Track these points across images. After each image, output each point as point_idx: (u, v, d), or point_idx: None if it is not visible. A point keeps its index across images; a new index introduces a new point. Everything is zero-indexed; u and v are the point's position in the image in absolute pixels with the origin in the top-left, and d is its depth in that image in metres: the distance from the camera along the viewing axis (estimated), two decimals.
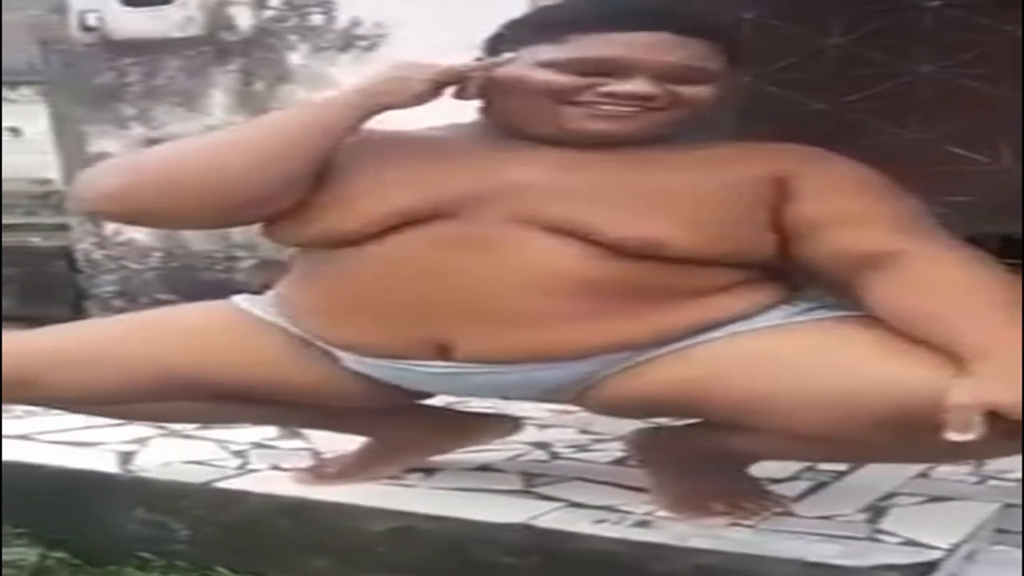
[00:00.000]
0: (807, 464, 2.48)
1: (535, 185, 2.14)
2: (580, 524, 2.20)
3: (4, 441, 2.66)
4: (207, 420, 2.69)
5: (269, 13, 4.14)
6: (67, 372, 2.30)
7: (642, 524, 2.20)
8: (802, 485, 2.42)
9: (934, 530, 2.13)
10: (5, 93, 5.00)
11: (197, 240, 4.23)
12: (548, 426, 2.91)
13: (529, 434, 2.77)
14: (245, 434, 2.79)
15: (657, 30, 2.15)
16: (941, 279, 1.99)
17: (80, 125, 4.41)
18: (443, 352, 2.16)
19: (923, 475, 2.48)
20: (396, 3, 3.86)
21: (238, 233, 4.03)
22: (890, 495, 2.36)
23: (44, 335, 2.39)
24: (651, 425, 2.41)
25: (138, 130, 4.31)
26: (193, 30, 4.21)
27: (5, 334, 2.31)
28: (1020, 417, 1.80)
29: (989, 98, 4.53)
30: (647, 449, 2.40)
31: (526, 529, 2.19)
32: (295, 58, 4.10)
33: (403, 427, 2.53)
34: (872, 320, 2.04)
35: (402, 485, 2.46)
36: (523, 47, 2.20)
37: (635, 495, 2.34)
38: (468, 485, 2.45)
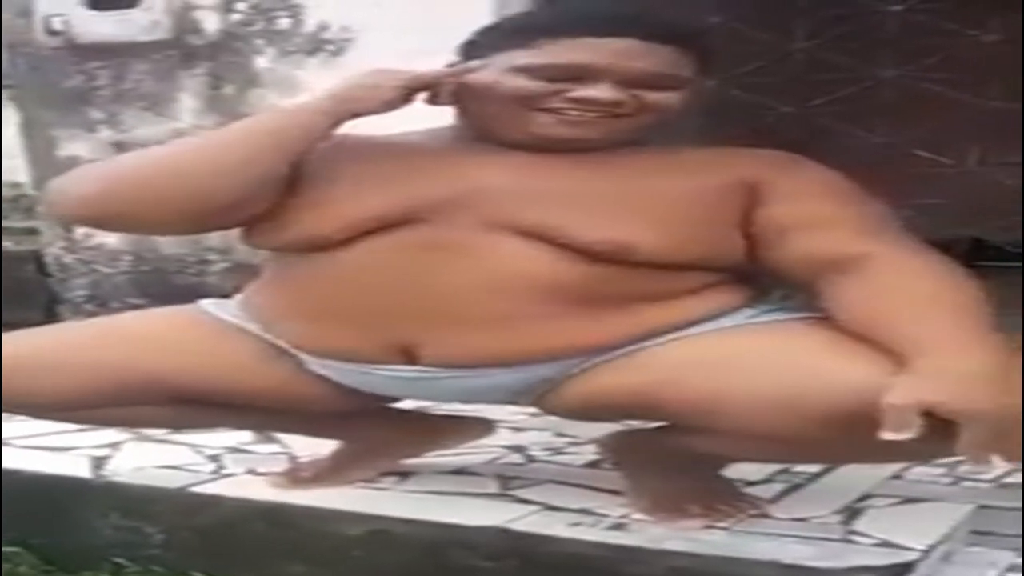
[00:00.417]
0: (782, 466, 2.49)
1: (506, 190, 2.15)
2: (556, 527, 2.20)
3: None
4: (173, 425, 2.68)
5: (236, 17, 4.13)
6: (27, 379, 2.29)
7: (618, 527, 2.20)
8: (777, 487, 2.43)
9: (909, 531, 2.13)
10: None
11: (168, 244, 4.21)
12: (523, 429, 2.91)
13: (504, 437, 2.78)
14: (220, 438, 2.78)
15: (626, 36, 2.16)
16: (900, 284, 2.00)
17: (49, 129, 4.39)
18: (409, 356, 2.16)
19: (898, 476, 2.49)
20: (363, 7, 3.86)
21: (210, 237, 4.02)
22: (865, 497, 2.37)
23: (5, 341, 2.37)
24: (624, 428, 2.41)
25: (107, 134, 4.30)
26: (159, 34, 4.19)
27: None
28: (951, 416, 1.81)
29: (954, 102, 4.56)
30: (621, 452, 2.40)
31: (502, 532, 2.19)
32: (262, 62, 4.10)
33: (376, 430, 2.53)
34: (825, 321, 2.05)
35: (378, 489, 2.46)
36: (495, 53, 2.21)
37: (611, 498, 2.34)
38: (444, 488, 2.45)
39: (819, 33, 4.83)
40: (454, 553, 2.19)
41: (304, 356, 2.28)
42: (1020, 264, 4.44)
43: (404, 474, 2.53)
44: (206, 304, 2.42)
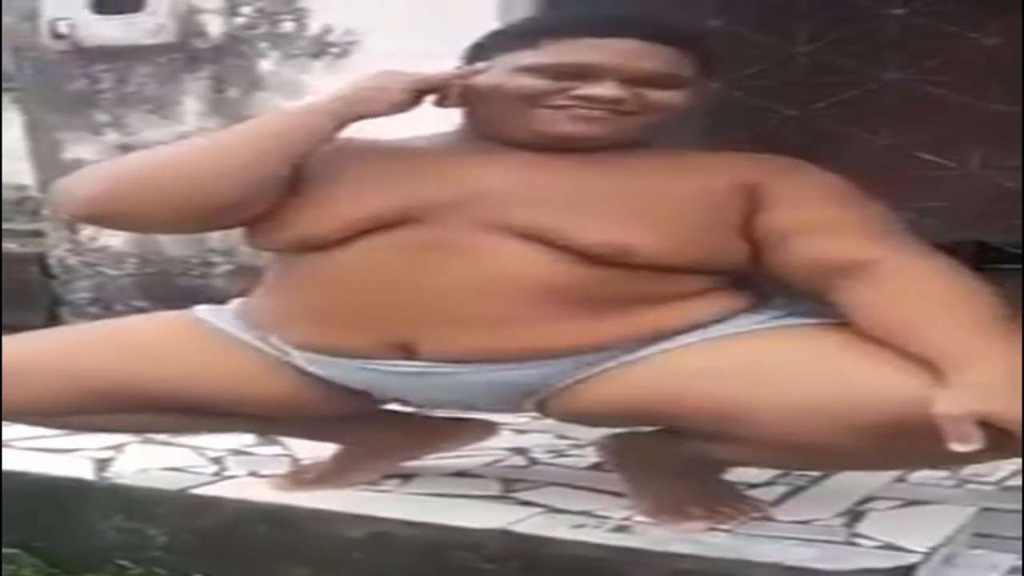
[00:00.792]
0: (784, 470, 2.49)
1: (505, 191, 2.16)
2: (558, 529, 2.20)
3: None
4: (171, 431, 2.69)
5: (240, 20, 4.13)
6: (18, 385, 2.29)
7: (621, 529, 2.20)
8: (780, 489, 2.43)
9: (912, 534, 2.14)
10: None
11: (172, 246, 4.21)
12: (526, 431, 2.91)
13: (506, 439, 2.78)
14: (222, 440, 2.79)
15: (627, 37, 2.17)
16: (915, 289, 2.01)
17: (54, 132, 4.39)
18: (408, 352, 2.17)
19: (900, 479, 2.50)
20: (367, 10, 3.86)
21: (214, 239, 4.03)
22: (868, 499, 2.37)
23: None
24: (626, 430, 2.41)
25: (112, 136, 4.29)
26: (164, 37, 4.19)
27: None
28: (1006, 425, 1.81)
29: (956, 104, 4.56)
30: (622, 454, 2.40)
31: (504, 535, 2.19)
32: (267, 65, 4.09)
33: (377, 432, 2.54)
34: (842, 326, 2.06)
35: (380, 491, 2.47)
36: (500, 55, 2.22)
37: (613, 500, 2.34)
38: (446, 491, 2.45)
39: (821, 36, 4.83)
40: (456, 555, 2.19)
41: (304, 357, 2.29)
42: (1022, 267, 4.43)
43: (406, 476, 2.54)
44: (201, 311, 2.43)
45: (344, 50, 3.97)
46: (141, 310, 2.80)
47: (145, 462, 2.68)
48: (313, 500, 2.38)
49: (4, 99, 4.86)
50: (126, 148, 4.02)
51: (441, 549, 2.20)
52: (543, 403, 2.23)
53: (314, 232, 2.20)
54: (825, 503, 2.34)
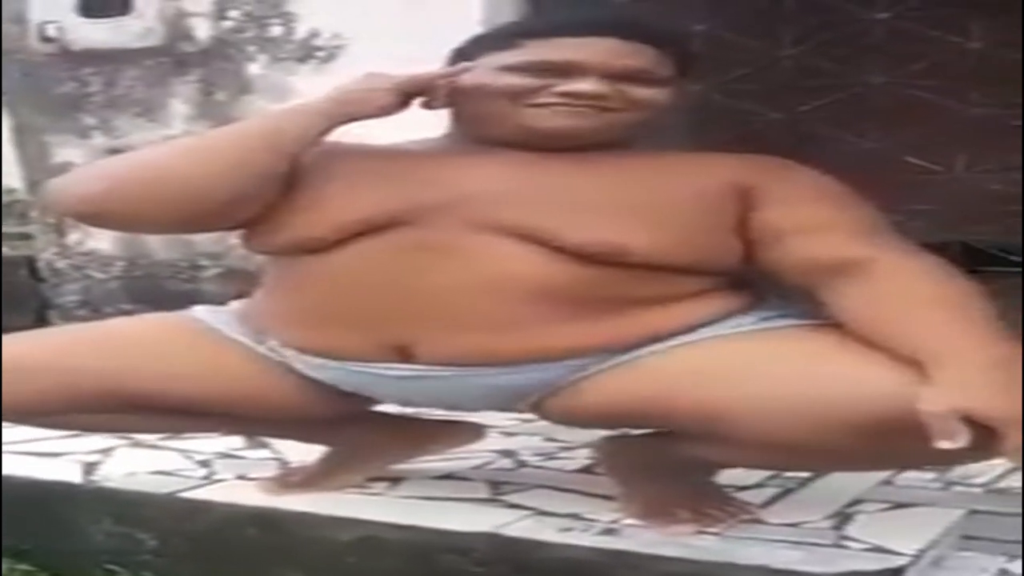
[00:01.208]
0: (773, 471, 2.50)
1: (497, 191, 2.17)
2: (547, 532, 2.20)
3: None
4: (162, 431, 2.70)
5: (228, 24, 4.13)
6: (14, 384, 2.28)
7: (609, 532, 2.20)
8: (768, 492, 2.44)
9: (900, 536, 2.14)
10: None
11: (161, 249, 4.21)
12: (514, 434, 2.92)
13: (495, 442, 2.78)
14: (211, 444, 2.79)
15: (607, 36, 2.20)
16: (904, 287, 2.02)
17: (42, 135, 4.39)
18: (404, 355, 2.17)
19: (888, 482, 2.50)
20: (354, 15, 3.87)
21: (202, 242, 4.03)
22: (856, 501, 2.38)
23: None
24: (618, 433, 2.41)
25: (100, 140, 4.29)
26: (152, 41, 4.19)
27: None
28: (989, 422, 1.82)
29: (941, 108, 4.57)
30: (614, 457, 2.40)
31: (493, 538, 2.20)
32: (254, 69, 4.10)
33: (366, 435, 2.54)
34: (834, 327, 2.06)
35: (369, 494, 2.47)
36: (484, 56, 2.24)
37: (602, 503, 2.34)
38: (435, 494, 2.45)
39: (806, 40, 4.83)
40: (445, 558, 2.19)
41: (299, 359, 2.29)
42: (1009, 269, 4.44)
43: (395, 479, 2.54)
44: (199, 312, 2.43)
45: (331, 54, 3.97)
46: (129, 314, 2.79)
47: (133, 466, 2.68)
48: (302, 503, 2.38)
49: None
50: (114, 151, 4.00)
51: (430, 552, 2.20)
52: (538, 405, 2.24)
53: (307, 235, 2.21)
54: (813, 505, 2.34)
